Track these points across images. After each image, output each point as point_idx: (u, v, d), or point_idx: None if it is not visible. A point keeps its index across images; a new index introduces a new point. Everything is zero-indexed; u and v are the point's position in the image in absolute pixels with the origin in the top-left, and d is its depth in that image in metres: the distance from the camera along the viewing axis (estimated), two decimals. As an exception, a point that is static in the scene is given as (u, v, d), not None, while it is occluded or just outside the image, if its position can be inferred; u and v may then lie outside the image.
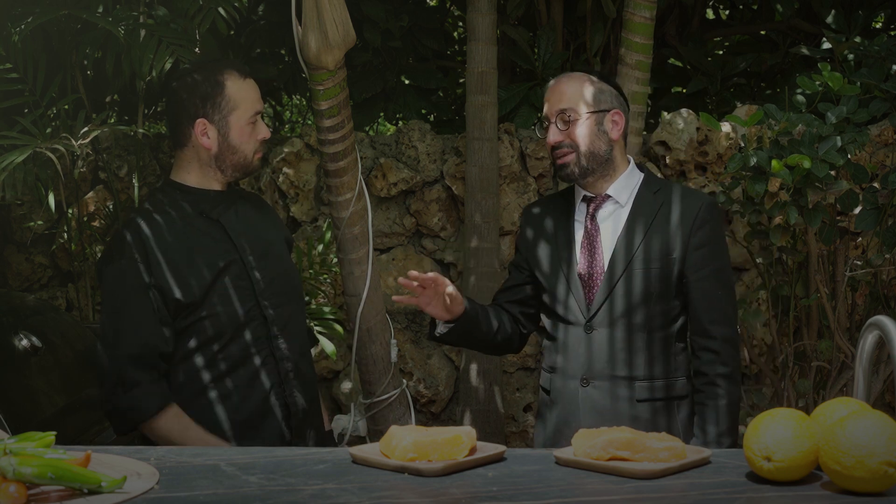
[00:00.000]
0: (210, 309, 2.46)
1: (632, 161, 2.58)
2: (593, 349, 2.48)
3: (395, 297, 2.45)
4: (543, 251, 2.58)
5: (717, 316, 2.46)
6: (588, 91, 2.51)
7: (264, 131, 2.57)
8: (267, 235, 2.64)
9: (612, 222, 2.51)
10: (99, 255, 4.31)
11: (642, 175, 2.56)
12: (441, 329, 2.55)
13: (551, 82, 2.59)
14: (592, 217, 2.52)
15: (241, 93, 2.53)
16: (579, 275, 2.50)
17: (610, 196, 2.52)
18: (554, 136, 2.51)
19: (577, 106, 2.50)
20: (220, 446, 2.40)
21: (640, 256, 2.46)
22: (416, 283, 2.42)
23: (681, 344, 2.52)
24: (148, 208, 2.52)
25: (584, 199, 2.55)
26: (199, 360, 2.47)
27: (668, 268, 2.46)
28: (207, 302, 2.46)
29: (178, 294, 2.42)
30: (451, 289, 2.44)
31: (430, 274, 2.43)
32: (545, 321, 2.62)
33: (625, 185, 2.53)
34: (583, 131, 2.49)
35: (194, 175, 2.55)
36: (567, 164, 2.50)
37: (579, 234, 2.53)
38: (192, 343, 2.46)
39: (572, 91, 2.51)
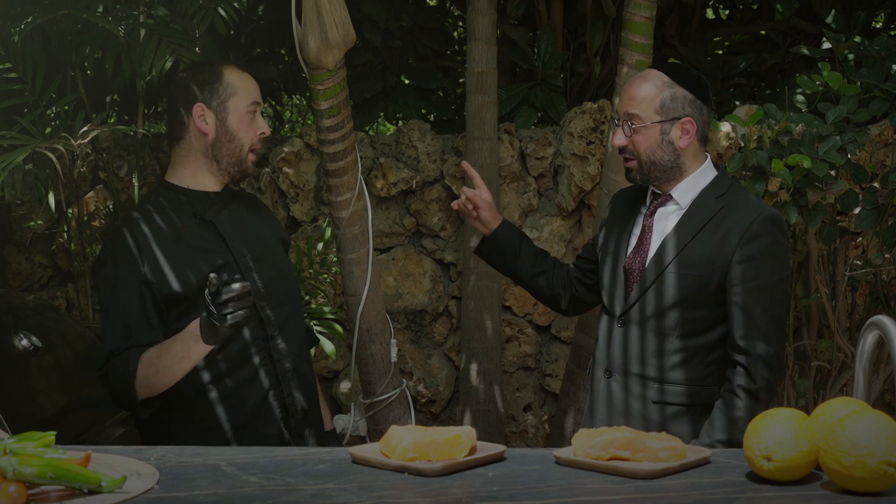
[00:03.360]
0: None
1: (707, 160, 2.50)
2: (620, 343, 2.48)
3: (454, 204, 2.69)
4: (607, 237, 2.59)
5: (752, 332, 2.36)
6: (659, 97, 2.43)
7: (264, 126, 2.57)
8: (263, 237, 2.63)
9: (665, 222, 2.48)
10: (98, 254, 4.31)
11: (713, 176, 2.49)
12: (474, 241, 2.58)
13: (630, 79, 2.53)
14: (651, 214, 2.51)
15: (239, 81, 2.55)
16: (625, 268, 2.50)
17: (673, 196, 2.48)
18: (619, 140, 2.47)
19: (645, 113, 2.43)
20: (191, 342, 2.31)
21: (679, 261, 2.41)
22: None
23: (718, 353, 2.43)
24: (142, 209, 2.52)
25: (652, 194, 2.53)
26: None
27: (707, 276, 2.39)
28: (203, 301, 2.45)
29: (171, 289, 2.42)
30: (483, 199, 2.64)
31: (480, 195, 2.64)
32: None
33: (690, 187, 2.47)
34: (646, 141, 2.44)
35: (189, 173, 2.55)
36: (630, 170, 2.48)
37: (637, 229, 2.53)
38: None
39: (643, 96, 2.44)
